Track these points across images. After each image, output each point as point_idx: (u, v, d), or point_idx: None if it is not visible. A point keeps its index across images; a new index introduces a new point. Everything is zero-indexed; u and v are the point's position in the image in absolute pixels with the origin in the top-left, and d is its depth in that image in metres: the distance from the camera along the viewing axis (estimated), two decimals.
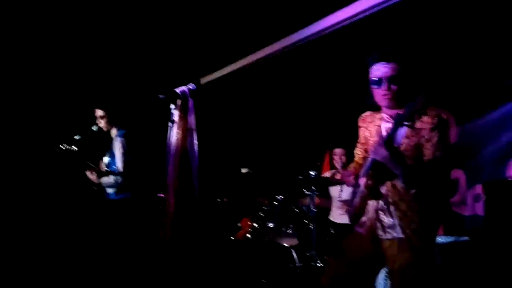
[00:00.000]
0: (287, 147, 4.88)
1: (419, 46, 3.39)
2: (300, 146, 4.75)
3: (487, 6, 3.05)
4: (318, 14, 3.10)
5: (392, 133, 1.77)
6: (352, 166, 2.24)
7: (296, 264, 3.47)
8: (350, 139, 2.34)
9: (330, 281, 1.95)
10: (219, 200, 4.49)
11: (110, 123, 3.26)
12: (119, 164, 3.13)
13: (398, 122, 1.73)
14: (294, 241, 3.58)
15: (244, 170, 4.54)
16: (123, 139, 3.19)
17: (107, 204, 3.23)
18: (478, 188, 3.86)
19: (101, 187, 3.21)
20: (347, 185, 2.19)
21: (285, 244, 3.61)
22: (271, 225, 3.59)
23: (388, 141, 1.77)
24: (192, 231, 2.29)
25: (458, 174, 4.25)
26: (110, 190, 3.20)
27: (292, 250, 3.54)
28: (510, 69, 3.61)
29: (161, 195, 2.59)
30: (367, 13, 2.73)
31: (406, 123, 1.72)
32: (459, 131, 4.24)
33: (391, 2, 2.52)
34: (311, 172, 3.50)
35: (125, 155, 3.13)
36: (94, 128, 3.26)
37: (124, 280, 2.98)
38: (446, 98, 4.08)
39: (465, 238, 3.13)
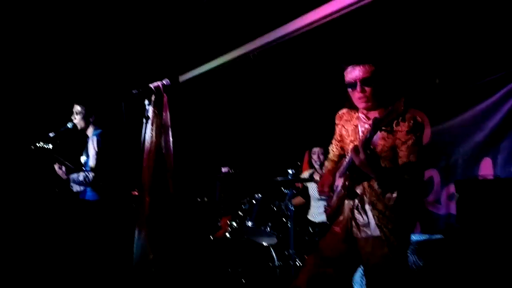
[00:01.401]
0: (266, 146, 4.89)
1: (392, 47, 3.46)
2: (279, 145, 4.77)
3: (459, 7, 3.13)
4: (294, 14, 3.13)
5: (370, 137, 1.77)
6: (326, 164, 2.25)
7: (275, 263, 3.47)
8: (327, 138, 2.35)
9: (307, 280, 1.94)
10: (199, 199, 4.46)
11: (85, 121, 3.18)
12: (91, 162, 3.07)
13: (376, 127, 1.72)
14: (273, 240, 3.58)
15: (224, 169, 4.51)
16: (98, 138, 3.13)
17: (83, 205, 3.16)
18: (452, 187, 3.96)
19: (66, 187, 3.14)
20: (321, 195, 2.19)
21: (264, 243, 3.61)
22: (249, 224, 3.58)
23: (365, 145, 1.76)
24: (168, 229, 2.25)
25: (432, 173, 4.35)
26: (77, 188, 3.12)
27: (271, 249, 3.54)
28: (480, 70, 3.73)
29: (135, 193, 2.55)
30: (341, 13, 2.78)
31: (384, 128, 1.71)
32: (432, 132, 4.35)
33: (363, 3, 2.56)
34: (289, 171, 3.51)
35: (98, 154, 3.07)
36: (69, 125, 3.19)
37: (99, 280, 2.91)
38: (419, 100, 4.20)
39: (439, 236, 3.20)
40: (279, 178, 3.57)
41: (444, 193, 4.21)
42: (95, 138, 3.14)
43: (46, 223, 3.78)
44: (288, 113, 4.69)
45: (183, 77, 4.31)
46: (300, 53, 3.81)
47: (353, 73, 1.89)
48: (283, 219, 3.57)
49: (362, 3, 2.86)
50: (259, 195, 3.67)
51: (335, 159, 2.20)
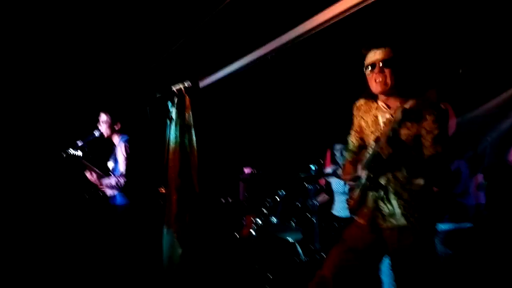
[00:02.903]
0: (288, 144, 4.91)
1: (415, 36, 3.42)
2: (300, 142, 4.79)
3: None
4: (312, 11, 3.15)
5: (397, 128, 1.75)
6: (346, 155, 2.25)
7: (302, 259, 3.49)
8: (348, 134, 2.35)
9: (332, 271, 1.94)
10: (223, 200, 4.53)
11: (111, 129, 3.31)
12: (121, 167, 3.19)
13: (405, 117, 1.71)
14: (298, 236, 3.61)
15: (247, 170, 4.57)
16: (126, 144, 3.24)
17: (114, 209, 3.28)
18: (480, 177, 3.88)
19: (103, 194, 3.27)
20: (345, 181, 2.19)
21: (289, 239, 3.64)
22: (274, 220, 3.62)
23: (392, 138, 1.75)
24: (195, 226, 2.33)
25: (459, 164, 4.26)
26: (111, 193, 3.26)
27: (296, 244, 3.57)
28: (505, 59, 3.63)
29: (162, 190, 2.63)
30: (363, 5, 2.77)
31: (413, 118, 1.71)
32: (458, 122, 4.27)
33: None
34: (311, 167, 3.54)
35: (127, 159, 3.18)
36: (96, 133, 3.33)
37: (128, 281, 3.00)
38: (443, 90, 4.12)
39: (468, 224, 3.14)
40: (302, 174, 3.59)
41: (472, 184, 4.11)
42: (122, 145, 3.24)
43: (77, 228, 3.92)
44: (309, 110, 4.71)
45: (203, 83, 4.40)
46: (320, 49, 3.82)
47: (374, 56, 1.90)
48: (308, 214, 3.59)
49: None
50: (283, 191, 3.71)
51: (355, 150, 2.18)
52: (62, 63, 4.09)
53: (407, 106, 1.82)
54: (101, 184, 3.24)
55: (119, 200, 3.23)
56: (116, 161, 3.29)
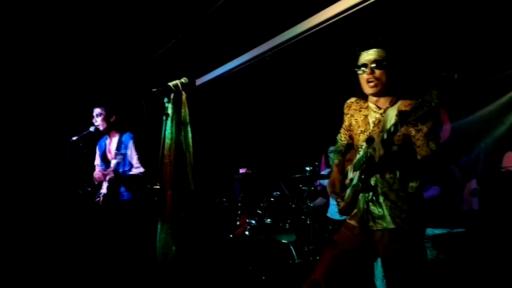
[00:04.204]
0: (283, 145, 4.92)
1: (409, 41, 3.45)
2: (296, 144, 4.80)
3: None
4: (309, 12, 3.17)
5: (393, 132, 1.71)
6: (333, 157, 2.23)
7: (295, 260, 3.48)
8: None
9: (324, 274, 1.93)
10: (218, 200, 4.52)
11: (107, 122, 3.32)
12: (135, 161, 3.33)
13: (403, 121, 1.66)
14: (292, 237, 3.60)
15: (242, 170, 4.57)
16: (133, 140, 3.38)
17: (118, 204, 3.29)
18: (474, 183, 3.90)
19: (86, 190, 3.30)
20: (331, 195, 2.18)
21: (283, 240, 3.63)
22: (268, 221, 3.61)
23: (386, 141, 1.73)
24: (190, 223, 2.32)
25: (453, 169, 4.28)
26: (124, 190, 3.32)
27: (290, 246, 3.56)
28: (500, 64, 3.67)
29: (157, 186, 2.65)
30: (358, 7, 2.80)
31: (413, 122, 1.64)
32: (452, 127, 4.29)
33: None
34: (307, 168, 3.54)
35: (138, 153, 3.34)
36: (92, 129, 3.32)
37: (123, 277, 2.99)
38: (439, 95, 4.15)
39: (460, 229, 3.15)
40: (297, 176, 3.60)
41: (466, 189, 4.14)
42: (131, 141, 3.36)
43: (78, 223, 3.90)
44: (304, 112, 4.72)
45: (199, 81, 4.40)
46: (316, 51, 3.84)
47: (366, 56, 1.92)
48: (302, 216, 3.59)
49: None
50: (278, 192, 3.70)
51: (342, 149, 2.20)
52: (58, 59, 4.07)
53: (402, 108, 1.84)
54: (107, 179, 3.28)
55: (125, 194, 3.31)
56: (121, 158, 3.35)
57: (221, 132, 4.94)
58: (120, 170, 3.29)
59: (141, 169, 3.33)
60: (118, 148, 3.35)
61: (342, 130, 2.21)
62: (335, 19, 3.09)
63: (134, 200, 3.26)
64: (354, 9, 2.95)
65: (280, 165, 4.71)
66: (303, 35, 3.44)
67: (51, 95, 4.22)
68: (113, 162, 3.34)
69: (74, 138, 3.22)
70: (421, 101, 1.59)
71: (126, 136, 3.37)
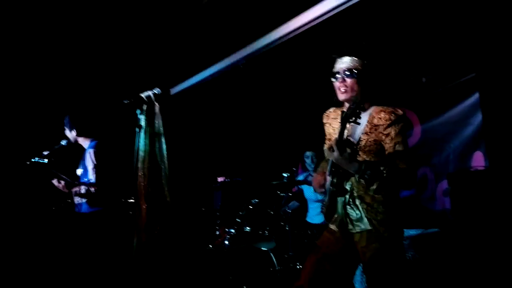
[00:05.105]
0: (260, 152, 4.93)
1: (380, 46, 3.54)
2: (273, 150, 4.82)
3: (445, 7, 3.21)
4: (281, 19, 3.20)
5: (341, 132, 1.81)
6: (321, 165, 2.26)
7: (276, 267, 3.48)
8: (320, 141, 2.38)
9: (308, 280, 1.93)
10: (197, 211, 4.47)
11: (77, 132, 3.22)
12: (91, 176, 3.10)
13: (343, 121, 1.79)
14: (272, 245, 3.60)
15: (220, 179, 4.54)
16: (95, 150, 3.15)
17: (79, 218, 3.17)
18: (445, 183, 4.02)
19: (71, 201, 3.16)
20: (316, 191, 2.21)
21: (263, 248, 3.63)
22: (248, 229, 3.61)
23: (338, 142, 1.80)
24: (167, 236, 2.27)
25: (425, 170, 4.41)
26: (79, 200, 3.14)
27: (270, 253, 3.56)
28: (466, 67, 3.82)
29: (132, 200, 2.58)
30: (330, 13, 2.85)
31: (351, 120, 1.78)
32: (423, 129, 4.43)
33: (351, 3, 2.64)
34: (284, 175, 3.56)
35: (97, 166, 3.09)
36: (63, 142, 3.22)
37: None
38: (407, 98, 4.28)
39: (435, 229, 3.24)
40: (274, 182, 3.61)
41: (438, 189, 4.27)
42: (92, 151, 3.15)
43: (45, 236, 3.78)
44: (280, 119, 4.75)
45: (174, 90, 4.36)
46: (290, 58, 3.88)
47: (340, 63, 1.98)
48: (281, 222, 3.60)
49: (350, 3, 2.91)
50: (256, 200, 3.71)
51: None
52: (28, 68, 3.94)
53: (374, 114, 1.91)
54: (70, 192, 3.12)
55: (85, 208, 3.13)
56: (85, 168, 3.18)
57: (197, 141, 4.90)
58: (85, 181, 3.17)
59: (92, 188, 3.05)
60: (84, 157, 3.23)
61: (326, 141, 2.22)
62: (309, 25, 3.13)
63: (97, 213, 3.10)
64: (327, 15, 3.00)
65: (257, 172, 4.71)
66: (278, 42, 3.46)
67: (20, 104, 4.07)
68: (78, 172, 3.24)
69: (45, 153, 3.11)
70: (355, 101, 1.76)
71: (89, 146, 3.23)
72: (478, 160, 3.89)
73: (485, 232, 2.80)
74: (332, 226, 2.03)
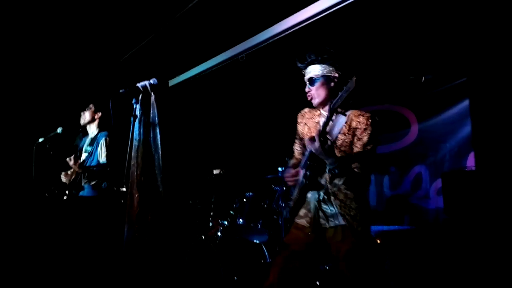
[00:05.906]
0: (256, 145, 4.94)
1: (374, 46, 3.54)
2: (269, 144, 4.83)
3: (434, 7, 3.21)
4: (284, 14, 3.20)
5: (326, 123, 1.86)
6: (291, 162, 2.28)
7: (267, 260, 3.51)
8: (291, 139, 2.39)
9: (278, 277, 1.95)
10: (191, 202, 4.49)
11: (91, 116, 3.32)
12: (102, 158, 3.26)
13: (332, 110, 1.84)
14: (265, 238, 3.63)
15: (216, 171, 4.55)
16: (107, 138, 3.33)
17: (81, 201, 3.23)
18: (440, 182, 4.05)
19: (61, 187, 3.22)
20: (288, 185, 2.22)
21: (255, 241, 3.65)
22: (241, 222, 3.63)
23: (322, 132, 1.85)
24: (159, 226, 2.29)
25: (420, 169, 4.44)
26: (85, 182, 3.26)
27: (263, 246, 3.58)
28: (463, 68, 3.82)
29: (124, 189, 2.63)
30: (330, 11, 2.86)
31: (339, 110, 1.83)
32: (419, 129, 4.45)
33: (346, 3, 2.65)
34: (279, 169, 3.57)
35: (108, 151, 3.27)
36: (59, 130, 3.26)
37: (93, 279, 2.94)
38: (405, 97, 4.29)
39: (410, 227, 3.26)
40: (269, 176, 3.63)
41: (433, 188, 4.29)
42: (104, 138, 3.31)
43: (45, 220, 3.81)
44: (276, 112, 4.75)
45: (172, 81, 4.36)
46: (287, 54, 3.87)
47: (306, 72, 2.10)
48: (274, 216, 3.62)
49: (345, 3, 2.93)
50: (250, 193, 3.72)
51: (299, 157, 2.24)
52: (28, 58, 3.96)
53: (352, 117, 1.98)
54: (80, 174, 3.25)
55: (88, 191, 3.21)
56: (92, 153, 3.30)
57: (193, 133, 4.91)
58: (93, 163, 3.28)
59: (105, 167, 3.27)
60: (91, 144, 3.36)
61: (296, 140, 2.27)
62: (311, 21, 3.14)
63: (98, 197, 3.20)
64: (327, 12, 3.01)
65: (252, 165, 4.72)
66: (279, 36, 3.47)
67: (19, 94, 4.09)
68: (83, 157, 3.34)
69: (40, 140, 3.14)
70: (344, 88, 1.77)
71: (101, 134, 3.36)
72: (474, 161, 3.91)
73: (478, 231, 2.82)
74: (300, 221, 2.06)
